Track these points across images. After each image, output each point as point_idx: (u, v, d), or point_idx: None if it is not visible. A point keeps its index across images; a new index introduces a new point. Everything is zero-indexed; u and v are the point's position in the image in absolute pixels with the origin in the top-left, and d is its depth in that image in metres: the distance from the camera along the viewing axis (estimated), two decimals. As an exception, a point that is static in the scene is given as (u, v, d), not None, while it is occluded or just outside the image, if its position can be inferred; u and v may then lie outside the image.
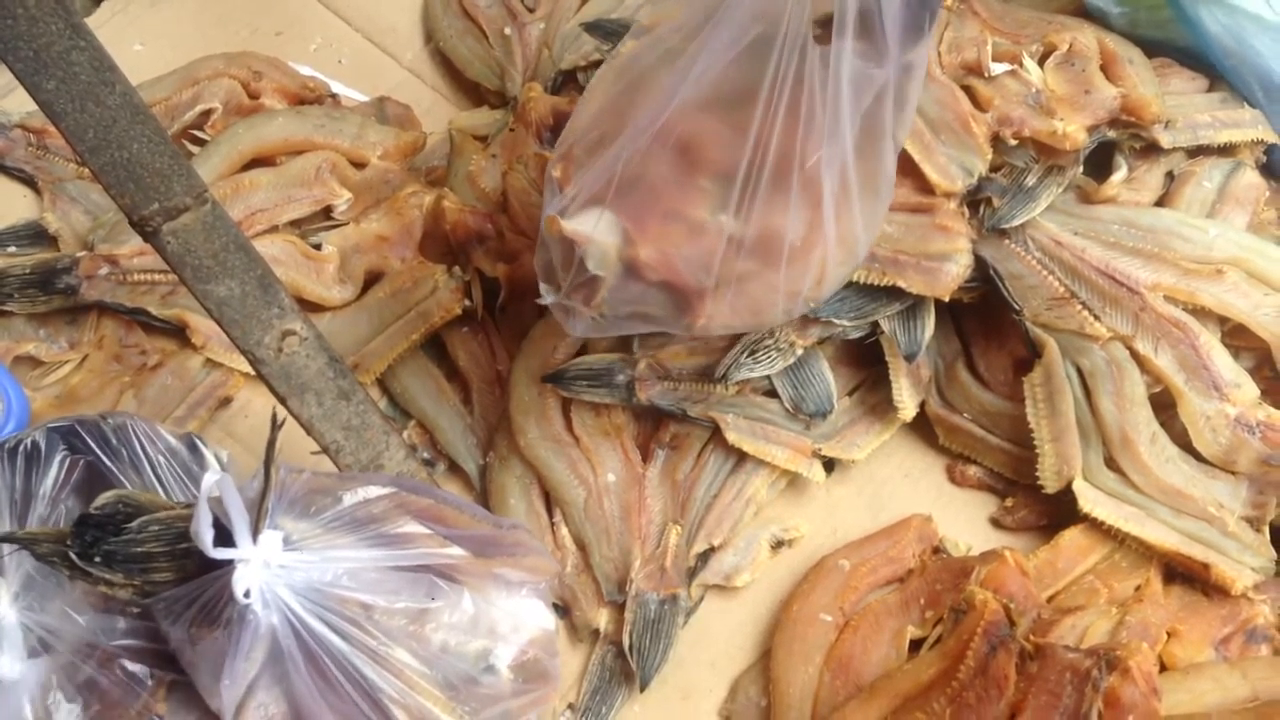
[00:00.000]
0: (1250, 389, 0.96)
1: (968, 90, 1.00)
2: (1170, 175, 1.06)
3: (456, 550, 0.71)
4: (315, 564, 0.65)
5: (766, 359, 0.97)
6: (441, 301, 1.04)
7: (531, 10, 1.27)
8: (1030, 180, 0.99)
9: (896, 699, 0.86)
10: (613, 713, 0.93)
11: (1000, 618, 0.84)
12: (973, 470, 1.05)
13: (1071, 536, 0.97)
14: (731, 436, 0.97)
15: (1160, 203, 1.05)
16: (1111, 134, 1.02)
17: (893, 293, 0.97)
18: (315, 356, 0.80)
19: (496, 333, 1.07)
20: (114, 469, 0.73)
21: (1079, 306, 0.98)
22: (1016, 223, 0.98)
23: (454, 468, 1.03)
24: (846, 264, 0.82)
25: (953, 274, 0.97)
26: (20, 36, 0.72)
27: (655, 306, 0.79)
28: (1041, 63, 1.04)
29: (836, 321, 0.98)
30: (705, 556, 0.98)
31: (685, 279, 0.76)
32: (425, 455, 1.03)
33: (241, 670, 0.64)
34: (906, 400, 1.01)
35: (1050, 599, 0.95)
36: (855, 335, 1.01)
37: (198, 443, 0.82)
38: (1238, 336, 0.99)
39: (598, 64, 1.17)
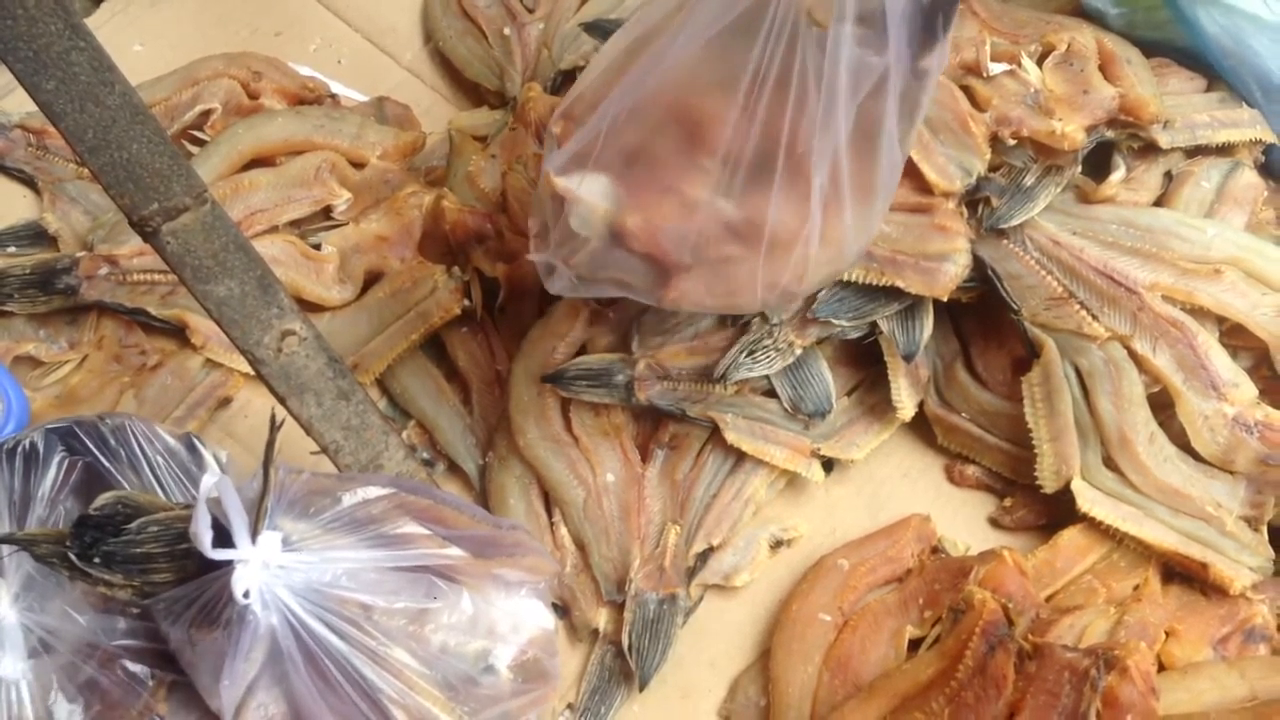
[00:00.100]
0: (1248, 388, 0.96)
1: (966, 90, 1.01)
2: (1168, 175, 1.07)
3: (455, 551, 0.71)
4: (314, 564, 0.65)
5: (765, 359, 0.98)
6: (441, 301, 1.04)
7: (531, 10, 1.27)
8: (1028, 180, 0.99)
9: (895, 698, 0.86)
10: (612, 712, 0.93)
11: (999, 617, 0.84)
12: (971, 470, 1.05)
13: (1070, 536, 0.97)
14: (730, 436, 0.97)
15: (1158, 203, 1.05)
16: (1110, 134, 1.02)
17: (891, 293, 0.97)
18: (315, 357, 0.80)
19: (496, 333, 1.07)
20: (113, 470, 0.73)
21: (1077, 306, 0.98)
22: (1015, 223, 0.98)
23: (453, 468, 1.03)
24: (832, 264, 0.81)
25: (951, 274, 0.97)
26: (20, 37, 0.72)
27: (633, 275, 0.78)
28: (1040, 63, 1.04)
29: (835, 321, 0.98)
30: (704, 556, 0.98)
31: (668, 253, 0.76)
32: (425, 455, 1.03)
33: (241, 671, 0.64)
34: (905, 400, 1.01)
35: (1049, 598, 0.95)
36: (854, 335, 1.01)
37: (196, 443, 0.82)
38: (1236, 336, 1.00)
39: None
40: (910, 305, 0.99)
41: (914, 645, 0.92)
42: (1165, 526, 0.95)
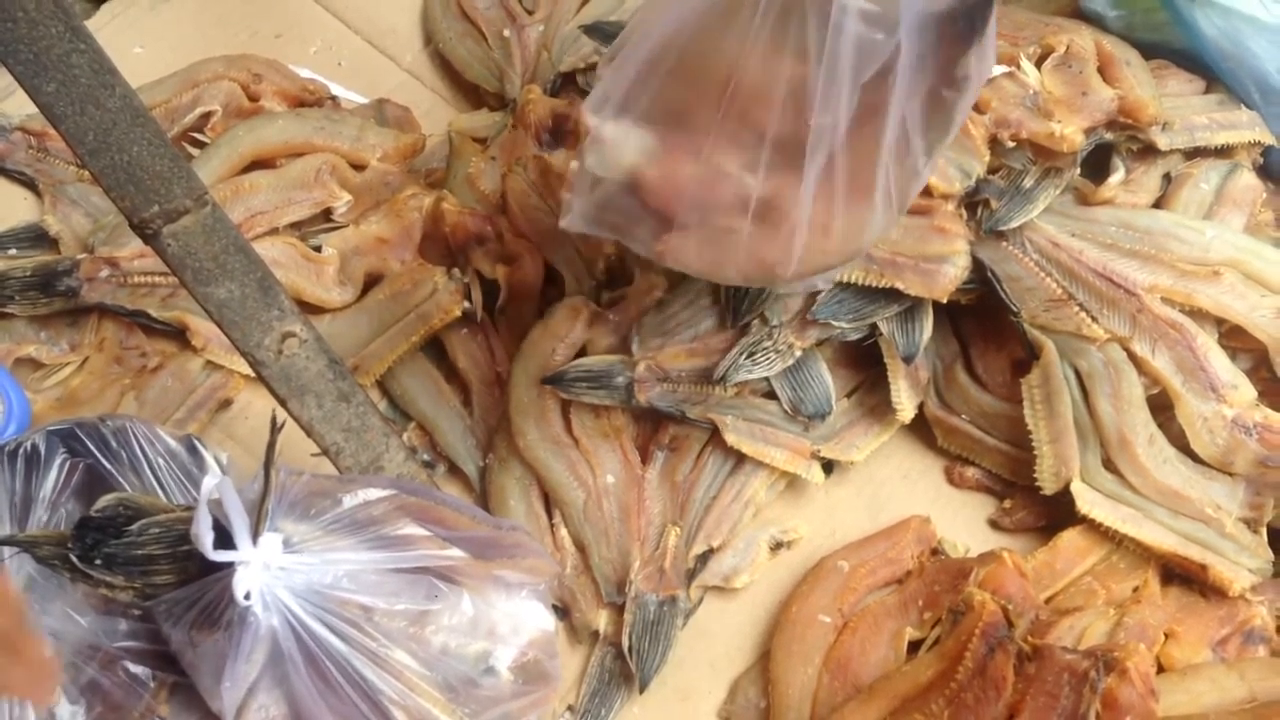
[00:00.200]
0: (1247, 390, 0.96)
1: (966, 92, 1.01)
2: (1167, 177, 1.07)
3: (456, 552, 0.71)
4: (315, 566, 0.65)
5: (765, 361, 0.98)
6: (441, 303, 1.04)
7: (531, 12, 1.27)
8: (1028, 182, 0.99)
9: (895, 700, 0.86)
10: (612, 714, 0.93)
11: (998, 619, 0.85)
12: (971, 472, 1.05)
13: (1069, 538, 0.97)
14: (730, 438, 0.97)
15: (1157, 204, 1.05)
16: (1109, 136, 1.03)
17: (891, 294, 0.97)
18: (315, 358, 0.80)
19: (496, 334, 1.07)
20: (114, 472, 0.73)
21: (1076, 308, 0.98)
22: (1014, 225, 0.98)
23: (454, 469, 1.03)
24: (823, 256, 0.79)
25: (950, 276, 0.97)
26: (20, 39, 0.72)
27: (633, 223, 0.78)
28: (1038, 65, 1.04)
29: (835, 323, 0.98)
30: (704, 558, 0.98)
31: (678, 214, 0.75)
32: (425, 457, 1.03)
33: (242, 672, 0.64)
34: (905, 402, 1.01)
35: (1048, 600, 0.95)
36: (854, 337, 1.01)
37: (197, 445, 0.83)
38: (1235, 338, 1.00)
39: (596, 66, 1.17)
40: (910, 307, 0.99)
41: (914, 647, 0.92)
42: (1164, 528, 0.95)
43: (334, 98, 1.23)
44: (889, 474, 1.06)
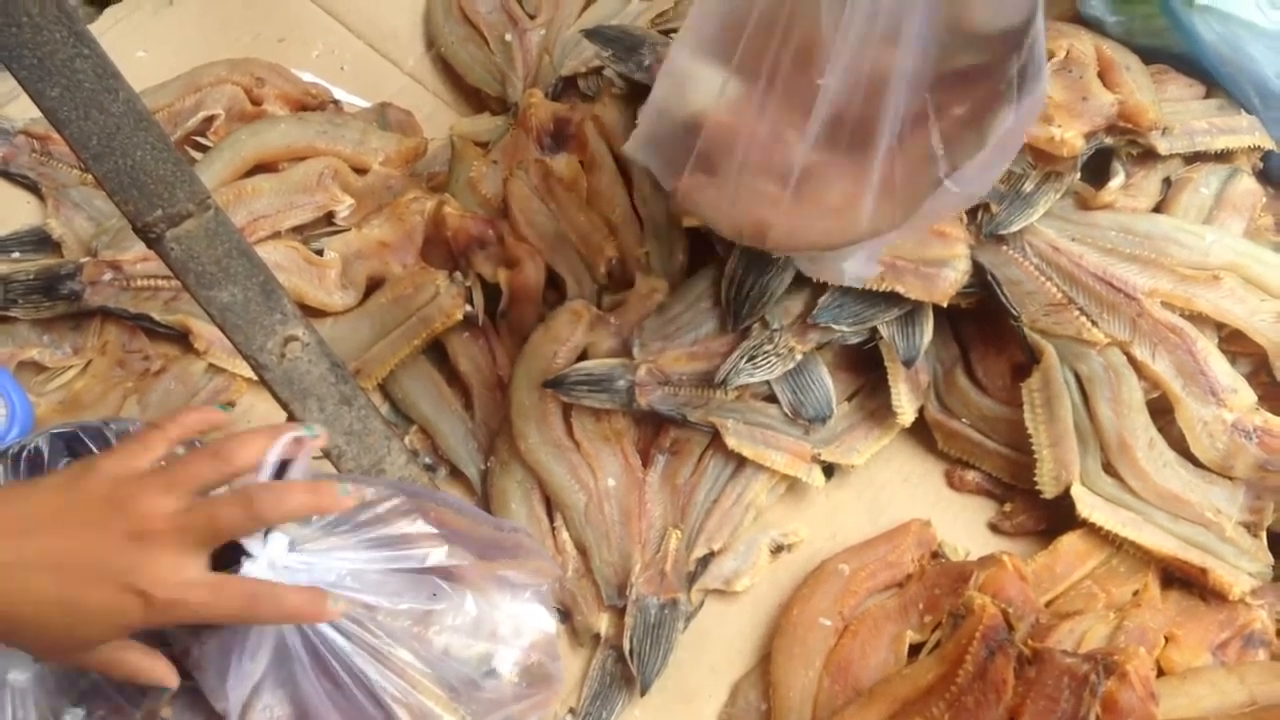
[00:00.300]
0: (1247, 394, 0.96)
1: (966, 97, 1.01)
2: (1167, 182, 1.07)
3: (458, 550, 0.71)
4: (319, 565, 0.66)
5: (766, 364, 0.98)
6: (443, 307, 1.05)
7: (532, 16, 1.28)
8: (1028, 187, 1.00)
9: (895, 703, 0.86)
10: (613, 717, 0.93)
11: (999, 622, 0.85)
12: (971, 475, 1.05)
13: (1069, 541, 0.97)
14: (731, 441, 0.98)
15: (1157, 209, 1.05)
16: (1109, 140, 1.03)
17: (891, 298, 0.97)
18: (317, 362, 0.80)
19: (497, 338, 1.07)
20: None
21: (1076, 312, 0.98)
22: (1014, 229, 0.98)
23: (455, 472, 1.03)
24: (810, 230, 0.79)
25: (951, 280, 0.97)
26: (24, 44, 0.73)
27: (669, 156, 0.77)
28: (1039, 70, 1.04)
29: (835, 327, 0.98)
30: (705, 561, 0.98)
31: (720, 163, 0.75)
32: (427, 460, 1.03)
33: (247, 670, 0.64)
34: (905, 405, 1.01)
35: (1048, 604, 0.95)
36: (854, 341, 1.01)
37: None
38: (1235, 342, 1.00)
39: (598, 70, 1.17)
40: (910, 311, 0.99)
41: (914, 650, 0.92)
42: (1164, 532, 0.95)
43: (336, 102, 1.24)
44: (889, 477, 1.06)
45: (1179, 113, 1.07)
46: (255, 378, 0.81)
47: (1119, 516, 0.95)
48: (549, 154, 1.13)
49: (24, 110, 1.13)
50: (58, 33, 0.73)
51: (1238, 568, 0.94)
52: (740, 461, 1.00)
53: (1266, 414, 0.96)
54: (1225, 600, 0.94)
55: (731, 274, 1.00)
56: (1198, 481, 0.96)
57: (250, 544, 0.63)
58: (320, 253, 1.08)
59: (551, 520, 0.98)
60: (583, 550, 0.97)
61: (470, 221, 1.08)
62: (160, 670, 0.63)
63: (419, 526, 0.69)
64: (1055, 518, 1.00)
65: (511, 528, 0.79)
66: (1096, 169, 1.04)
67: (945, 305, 0.98)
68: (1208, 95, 1.10)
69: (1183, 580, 0.96)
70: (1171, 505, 0.95)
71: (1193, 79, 1.11)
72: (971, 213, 0.99)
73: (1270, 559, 0.96)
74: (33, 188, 1.14)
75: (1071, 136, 0.98)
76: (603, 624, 0.95)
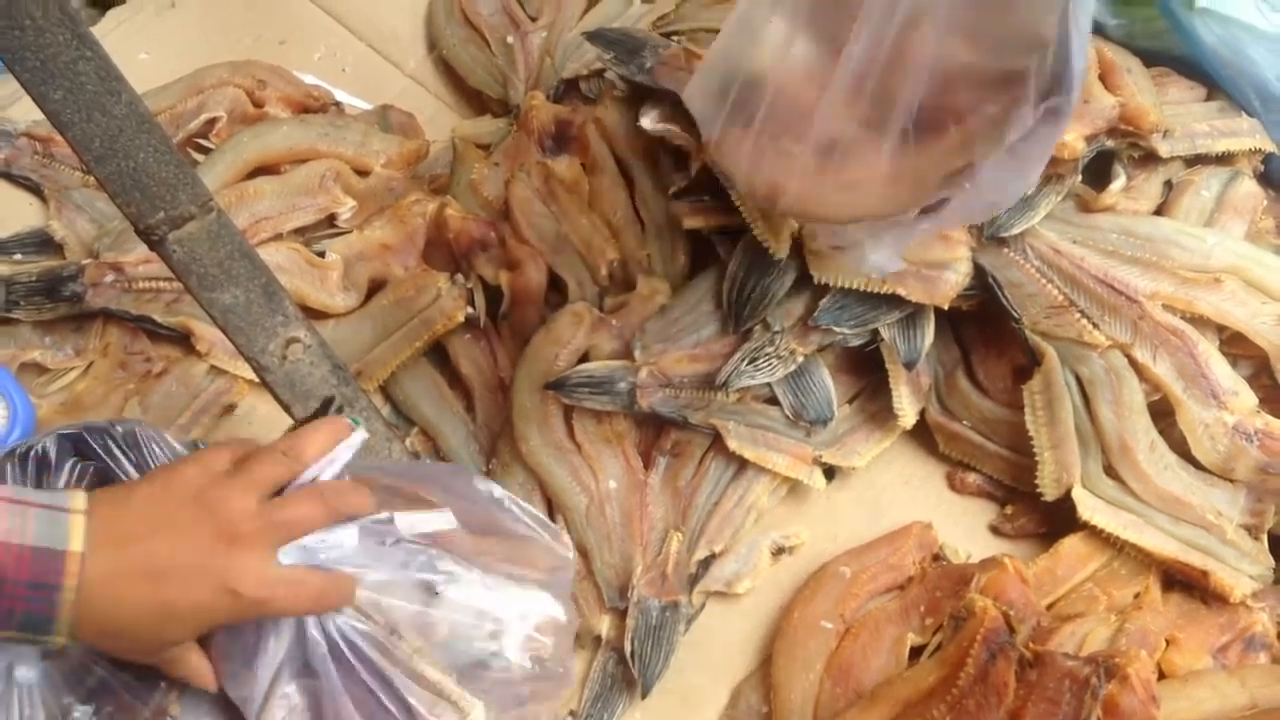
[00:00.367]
0: (1248, 397, 0.96)
1: (967, 100, 1.01)
2: (1168, 184, 1.07)
3: (461, 536, 0.71)
4: (327, 549, 0.66)
5: (767, 366, 0.98)
6: (444, 309, 1.05)
7: (534, 19, 1.28)
8: (1029, 189, 1.00)
9: (897, 706, 0.86)
10: (614, 719, 0.93)
11: (1000, 625, 0.85)
12: (972, 478, 1.05)
13: (1071, 544, 0.97)
14: (733, 444, 0.98)
15: (1158, 211, 1.05)
16: (1110, 143, 1.03)
17: (892, 300, 0.98)
18: (319, 364, 0.80)
19: (499, 340, 1.07)
20: (124, 475, 0.73)
21: (1078, 315, 0.98)
22: (1015, 231, 0.98)
23: (456, 474, 1.03)
24: (818, 200, 0.80)
25: (952, 282, 0.97)
26: (27, 46, 0.73)
27: (719, 109, 0.78)
28: (1041, 72, 1.04)
29: (837, 329, 0.98)
30: (707, 563, 0.98)
31: (769, 122, 0.75)
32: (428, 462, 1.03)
33: (270, 658, 0.65)
34: (906, 408, 1.01)
35: (1050, 606, 0.95)
36: (855, 343, 1.01)
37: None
38: (1236, 345, 1.00)
39: (600, 73, 1.17)
40: (911, 313, 0.99)
41: (915, 653, 0.93)
42: (1166, 534, 0.95)
43: (338, 104, 1.24)
44: (890, 480, 1.06)
45: (1180, 115, 1.07)
46: (257, 379, 0.81)
47: (1120, 519, 0.95)
48: (550, 156, 1.13)
49: (26, 112, 1.13)
50: (61, 35, 0.73)
51: (1239, 570, 0.95)
52: (741, 464, 1.00)
53: (1267, 417, 0.96)
54: (1226, 603, 0.94)
55: (733, 276, 1.00)
56: (1199, 484, 0.97)
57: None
58: (322, 255, 1.08)
59: (554, 522, 0.98)
60: (584, 552, 0.97)
61: (472, 224, 1.09)
62: (209, 677, 0.66)
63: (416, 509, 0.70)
64: (1056, 520, 1.00)
65: (518, 518, 0.78)
66: (1098, 172, 1.04)
67: (946, 308, 0.98)
68: (1209, 98, 1.11)
69: (1184, 583, 0.96)
70: (1172, 508, 0.95)
71: (1194, 82, 1.11)
72: (973, 215, 0.99)
73: (1271, 562, 0.96)
74: (35, 190, 1.14)
75: (1073, 139, 0.98)
76: (604, 626, 0.95)
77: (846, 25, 0.71)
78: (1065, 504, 0.96)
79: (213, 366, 1.04)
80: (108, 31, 1.24)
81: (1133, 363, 0.97)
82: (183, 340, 1.04)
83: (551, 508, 0.99)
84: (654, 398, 0.98)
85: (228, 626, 0.66)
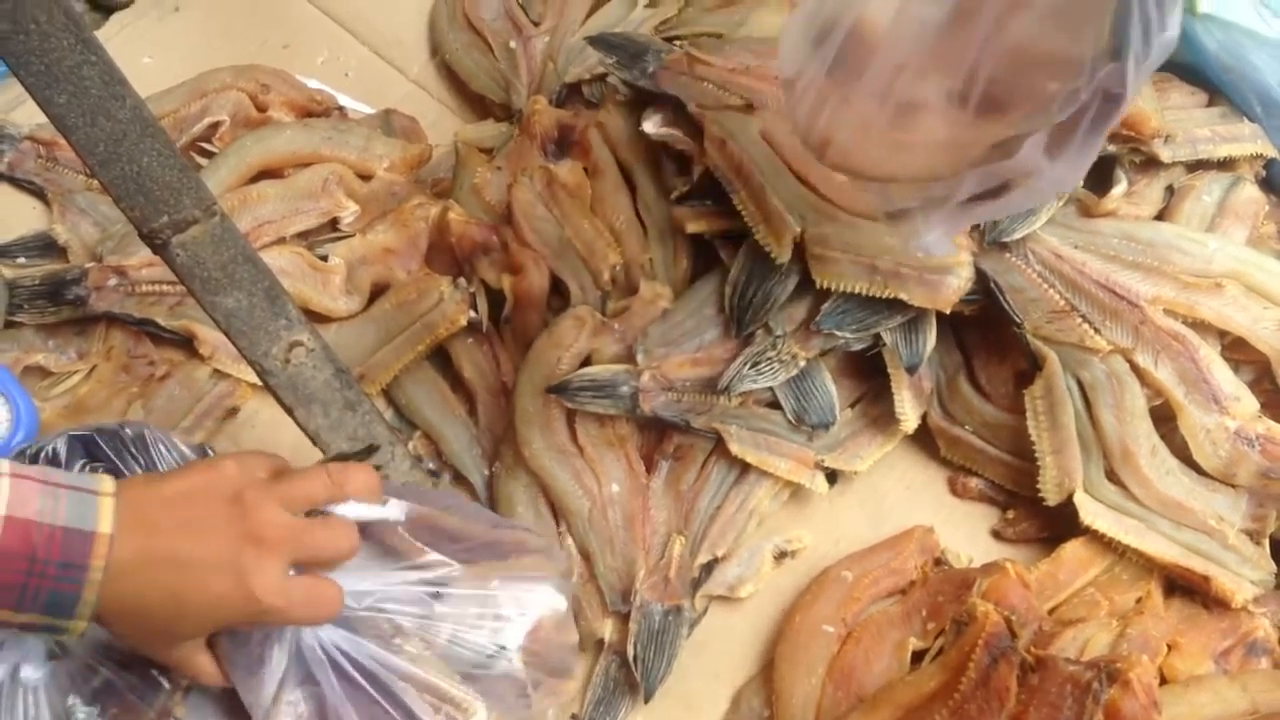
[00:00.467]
0: (1250, 402, 0.96)
1: (969, 105, 1.01)
2: (1170, 189, 1.07)
3: (454, 566, 0.71)
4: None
5: (769, 371, 0.98)
6: (447, 313, 1.05)
7: (536, 24, 1.28)
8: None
9: (898, 710, 0.86)
10: (616, 722, 0.94)
11: (1001, 630, 0.85)
12: (974, 482, 1.05)
13: (1072, 549, 0.97)
14: (735, 448, 0.98)
15: (1160, 217, 1.06)
16: (1111, 148, 1.03)
17: (894, 305, 0.98)
18: (322, 367, 0.80)
19: (501, 344, 1.07)
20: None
21: (1079, 319, 0.98)
22: (1017, 236, 0.98)
23: (459, 478, 1.03)
24: (855, 153, 0.81)
25: (954, 286, 0.97)
26: (32, 51, 0.73)
27: (809, 64, 0.79)
28: (1043, 77, 1.04)
29: (839, 333, 0.98)
30: (709, 567, 0.98)
31: (852, 73, 0.76)
32: (431, 466, 1.03)
33: (274, 667, 0.65)
34: (908, 412, 1.01)
35: (1051, 611, 0.95)
36: (857, 347, 1.01)
37: (210, 453, 0.83)
38: (1237, 350, 1.00)
39: (602, 77, 1.17)
40: (913, 318, 0.99)
41: (917, 657, 0.93)
42: (1167, 540, 0.95)
43: (341, 108, 1.24)
44: (892, 484, 1.06)
45: (1181, 120, 1.07)
46: (260, 383, 0.81)
47: (1122, 524, 0.95)
48: (553, 160, 1.13)
49: (30, 116, 1.13)
50: (65, 40, 0.74)
51: (1240, 575, 0.95)
52: (744, 468, 1.00)
53: (1269, 422, 0.96)
54: (1228, 608, 0.94)
55: (735, 280, 1.00)
56: (1200, 489, 0.97)
57: None
58: (325, 258, 1.08)
59: (557, 525, 0.99)
60: (586, 556, 0.97)
61: (474, 228, 1.09)
62: (218, 676, 0.67)
63: (413, 540, 0.70)
64: (1058, 525, 1.00)
65: (510, 525, 0.79)
66: (1099, 177, 1.04)
67: (948, 312, 0.98)
68: (1210, 103, 1.11)
69: (1185, 588, 0.96)
70: (1174, 513, 0.95)
71: (1195, 87, 1.11)
72: (974, 220, 0.99)
73: (1273, 567, 0.96)
74: (38, 193, 1.14)
75: (1074, 144, 0.98)
76: (606, 630, 0.95)
77: None
78: (1067, 509, 0.96)
79: (216, 370, 1.04)
80: (111, 36, 1.24)
81: (1134, 368, 0.98)
82: (186, 344, 1.04)
83: (554, 511, 0.99)
84: (656, 402, 0.98)
85: (232, 635, 0.66)
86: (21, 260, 1.09)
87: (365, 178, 1.15)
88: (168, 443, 0.73)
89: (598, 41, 1.13)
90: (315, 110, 1.21)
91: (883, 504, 1.05)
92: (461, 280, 1.07)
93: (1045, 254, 1.00)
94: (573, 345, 1.01)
